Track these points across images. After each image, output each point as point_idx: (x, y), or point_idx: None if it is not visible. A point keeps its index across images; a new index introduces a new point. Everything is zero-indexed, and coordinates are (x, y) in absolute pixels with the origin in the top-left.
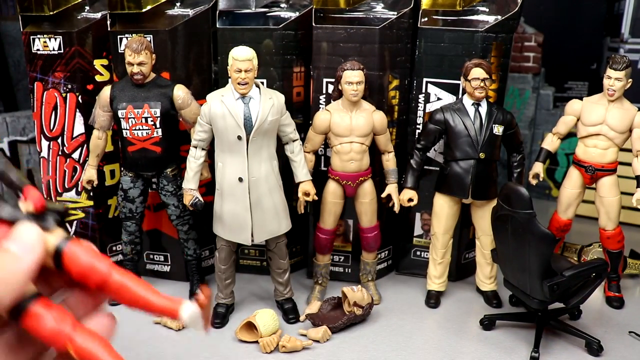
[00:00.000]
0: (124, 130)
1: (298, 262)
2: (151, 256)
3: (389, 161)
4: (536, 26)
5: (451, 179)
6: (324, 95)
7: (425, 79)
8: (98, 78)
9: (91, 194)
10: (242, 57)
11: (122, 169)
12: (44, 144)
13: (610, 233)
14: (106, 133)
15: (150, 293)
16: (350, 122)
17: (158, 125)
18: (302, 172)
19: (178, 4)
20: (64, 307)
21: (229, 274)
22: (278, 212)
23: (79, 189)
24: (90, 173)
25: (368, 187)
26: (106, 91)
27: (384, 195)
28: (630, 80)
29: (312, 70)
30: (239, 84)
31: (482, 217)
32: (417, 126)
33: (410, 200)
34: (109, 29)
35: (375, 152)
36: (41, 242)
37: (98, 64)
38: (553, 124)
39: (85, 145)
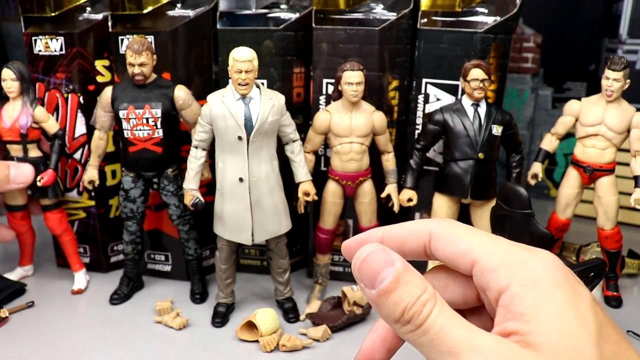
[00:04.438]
0: (125, 131)
1: (298, 262)
2: (152, 256)
3: (389, 161)
4: (535, 27)
5: (450, 179)
6: (324, 96)
7: (424, 80)
8: (99, 79)
9: (92, 194)
10: (242, 58)
11: (123, 169)
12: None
13: (608, 233)
14: (107, 133)
15: None
16: (350, 122)
17: (159, 126)
18: (302, 172)
19: (179, 5)
20: None
21: (230, 274)
22: (278, 212)
23: (81, 189)
24: (91, 173)
25: (368, 187)
26: (107, 92)
27: (383, 195)
28: (628, 81)
29: (312, 71)
30: (239, 84)
31: (481, 217)
32: (417, 126)
33: (409, 200)
34: (110, 30)
35: (375, 152)
36: None
37: (99, 64)
38: (552, 125)
39: (87, 146)
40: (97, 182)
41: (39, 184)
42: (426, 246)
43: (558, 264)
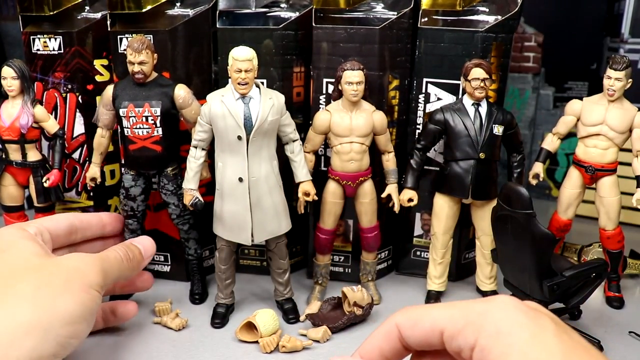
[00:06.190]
0: (125, 129)
1: (298, 262)
2: None
3: (389, 161)
4: (536, 26)
5: (451, 179)
6: (324, 95)
7: (425, 79)
8: (98, 78)
9: (91, 194)
10: (242, 57)
11: (123, 167)
12: (44, 144)
13: (610, 233)
14: (109, 131)
15: None
16: (350, 122)
17: (159, 125)
18: (302, 172)
19: (178, 4)
20: None
21: (229, 274)
22: (278, 212)
23: (79, 189)
24: (93, 171)
25: (368, 187)
26: (109, 90)
27: (384, 195)
28: (630, 80)
29: (312, 71)
30: (239, 84)
31: (482, 217)
32: (417, 126)
33: (410, 200)
34: (109, 29)
35: (375, 152)
36: None
37: (98, 64)
38: (553, 124)
39: (86, 146)
40: (99, 180)
41: (46, 184)
42: (401, 340)
43: (515, 304)
